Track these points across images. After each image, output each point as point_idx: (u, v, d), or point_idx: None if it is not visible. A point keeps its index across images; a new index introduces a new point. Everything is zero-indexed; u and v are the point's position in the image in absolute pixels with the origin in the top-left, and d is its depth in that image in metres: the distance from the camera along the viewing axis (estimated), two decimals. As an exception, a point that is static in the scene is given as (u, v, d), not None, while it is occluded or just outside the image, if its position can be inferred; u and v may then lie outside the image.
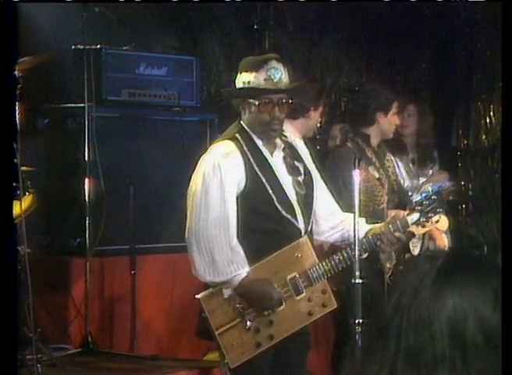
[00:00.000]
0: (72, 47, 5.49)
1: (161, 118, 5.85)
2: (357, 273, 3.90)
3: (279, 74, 3.88)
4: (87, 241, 5.24)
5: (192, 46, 6.86)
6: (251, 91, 3.87)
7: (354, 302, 3.94)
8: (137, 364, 5.09)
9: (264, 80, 3.86)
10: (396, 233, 4.00)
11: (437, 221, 4.30)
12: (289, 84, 3.93)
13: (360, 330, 3.90)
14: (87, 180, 5.27)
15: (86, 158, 5.30)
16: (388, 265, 4.93)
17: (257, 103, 3.86)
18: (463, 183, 7.27)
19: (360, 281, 3.91)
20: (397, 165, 5.61)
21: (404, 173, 5.85)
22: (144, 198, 5.55)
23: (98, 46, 5.56)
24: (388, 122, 5.21)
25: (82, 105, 5.32)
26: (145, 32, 6.59)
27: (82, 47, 5.44)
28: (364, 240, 3.98)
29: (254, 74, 3.87)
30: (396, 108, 5.23)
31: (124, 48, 5.80)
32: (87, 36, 5.45)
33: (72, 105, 5.46)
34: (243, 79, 3.91)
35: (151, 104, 5.83)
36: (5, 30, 3.18)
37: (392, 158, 5.44)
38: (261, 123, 3.89)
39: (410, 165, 6.06)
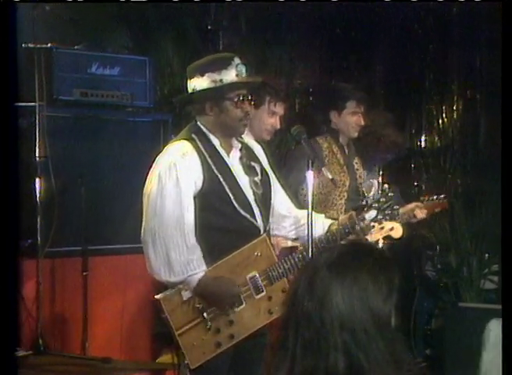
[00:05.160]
0: (23, 45, 5.42)
1: (113, 118, 5.80)
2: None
3: (245, 69, 3.92)
4: (39, 241, 5.19)
5: (145, 46, 6.82)
6: (232, 87, 3.86)
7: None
8: (89, 367, 5.04)
9: (236, 75, 3.89)
10: (361, 223, 4.02)
11: (391, 229, 4.32)
12: (254, 79, 3.99)
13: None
14: (37, 180, 5.22)
15: (37, 158, 5.25)
16: None
17: (235, 99, 3.87)
18: (415, 183, 7.34)
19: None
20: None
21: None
22: (96, 199, 5.50)
23: (49, 45, 5.50)
24: (343, 121, 5.23)
25: (33, 104, 5.27)
26: (97, 31, 6.53)
27: (32, 46, 5.38)
28: (328, 234, 4.01)
29: (223, 72, 3.88)
30: (353, 107, 5.23)
31: (76, 47, 5.74)
32: (38, 35, 5.39)
33: (23, 104, 5.38)
34: (212, 78, 3.88)
35: (104, 104, 5.78)
36: (5, 31, 3.14)
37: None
38: (234, 119, 3.90)
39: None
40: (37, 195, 5.22)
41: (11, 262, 3.24)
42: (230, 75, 3.87)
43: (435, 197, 5.38)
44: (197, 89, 3.92)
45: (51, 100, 5.44)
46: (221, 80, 3.87)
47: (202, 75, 3.90)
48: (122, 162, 5.69)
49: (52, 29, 5.94)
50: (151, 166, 3.96)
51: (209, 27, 7.13)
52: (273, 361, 1.98)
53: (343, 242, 3.91)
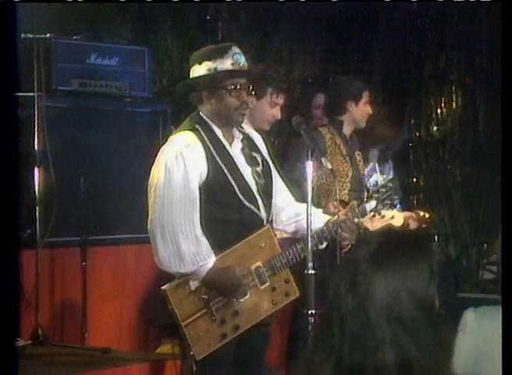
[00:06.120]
0: (22, 36, 5.40)
1: (112, 109, 5.78)
2: (310, 264, 3.90)
3: (243, 59, 3.92)
4: (38, 232, 5.18)
5: (144, 36, 6.80)
6: (226, 75, 3.86)
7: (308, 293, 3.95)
8: (88, 357, 5.03)
9: (232, 64, 3.88)
10: (355, 220, 4.03)
11: (392, 217, 4.34)
12: (251, 69, 3.98)
13: (313, 320, 3.90)
14: (36, 171, 5.21)
15: (35, 148, 5.24)
16: (346, 243, 5.00)
17: (229, 87, 3.86)
18: (414, 174, 7.34)
19: (313, 272, 3.92)
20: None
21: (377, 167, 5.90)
22: (95, 189, 5.49)
23: (48, 35, 5.48)
24: (359, 111, 5.29)
25: (31, 94, 5.25)
26: (96, 22, 6.51)
27: (31, 36, 5.36)
28: (325, 228, 4.01)
29: (219, 60, 3.87)
30: (367, 97, 5.30)
31: (74, 37, 5.73)
32: (37, 25, 5.37)
33: (22, 94, 5.36)
34: (208, 67, 3.88)
35: (102, 94, 5.75)
36: (5, 30, 3.13)
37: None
38: (229, 108, 3.88)
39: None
40: (36, 186, 5.20)
41: (10, 253, 3.24)
42: (225, 64, 3.86)
43: (422, 213, 5.51)
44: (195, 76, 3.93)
45: (50, 90, 5.42)
46: (215, 69, 3.86)
47: (200, 63, 3.91)
48: (121, 153, 5.67)
49: (51, 19, 5.91)
50: (150, 156, 3.95)
51: (208, 17, 7.11)
52: (315, 357, 1.96)
53: (377, 234, 3.91)
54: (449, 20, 7.58)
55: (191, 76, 3.96)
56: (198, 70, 3.92)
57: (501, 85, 2.86)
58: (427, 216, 5.48)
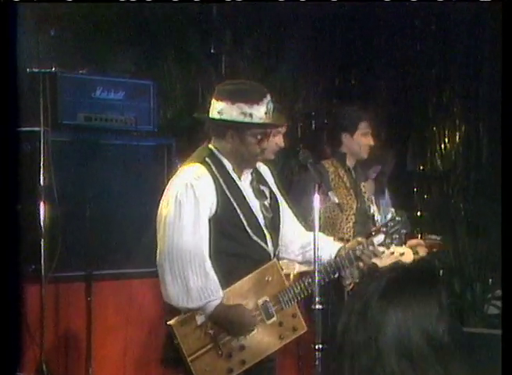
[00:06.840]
0: (27, 70, 5.42)
1: (118, 142, 5.77)
2: (317, 299, 3.90)
3: (273, 107, 3.91)
4: (43, 267, 5.16)
5: (148, 70, 6.83)
6: (261, 126, 3.86)
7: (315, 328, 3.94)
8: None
9: (265, 113, 3.86)
10: (370, 247, 4.03)
11: (402, 254, 4.32)
12: (277, 115, 3.98)
13: (320, 355, 3.88)
14: (42, 205, 5.20)
15: (41, 183, 5.23)
16: (348, 282, 4.97)
17: (258, 136, 3.86)
18: (418, 207, 7.33)
19: (320, 307, 3.91)
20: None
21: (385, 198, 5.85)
22: (100, 224, 5.48)
23: (53, 69, 5.49)
24: (356, 142, 5.20)
25: (37, 128, 5.26)
26: (102, 56, 6.54)
27: (37, 70, 5.38)
28: (338, 258, 4.02)
29: (255, 107, 3.83)
30: (365, 128, 5.22)
31: (80, 71, 5.74)
32: (42, 59, 5.39)
33: (28, 128, 5.37)
34: (243, 110, 3.84)
35: (108, 128, 5.75)
36: (5, 30, 3.13)
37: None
38: (251, 154, 3.90)
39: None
40: (42, 220, 5.19)
41: (13, 288, 3.22)
42: (261, 111, 3.83)
43: (434, 237, 5.45)
44: (225, 115, 3.86)
45: (56, 124, 5.42)
46: (250, 115, 3.83)
47: (233, 103, 3.84)
48: (126, 187, 5.66)
49: (56, 53, 5.94)
50: (155, 190, 3.93)
51: (212, 51, 7.14)
52: None
53: (386, 269, 3.89)
54: (453, 48, 7.61)
55: (220, 112, 3.87)
56: (229, 109, 3.84)
57: (501, 86, 2.84)
58: (438, 238, 5.41)
